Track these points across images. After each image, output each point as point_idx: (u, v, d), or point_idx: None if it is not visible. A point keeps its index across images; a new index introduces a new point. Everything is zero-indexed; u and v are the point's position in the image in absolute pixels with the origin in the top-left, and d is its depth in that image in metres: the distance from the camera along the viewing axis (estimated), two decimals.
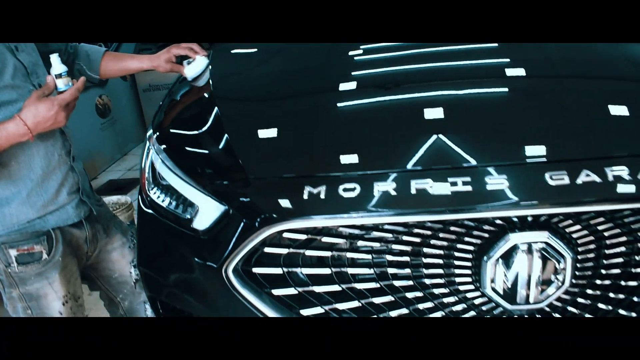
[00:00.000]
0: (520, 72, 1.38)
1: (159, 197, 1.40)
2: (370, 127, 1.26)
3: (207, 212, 1.26)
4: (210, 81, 1.58)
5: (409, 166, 1.10)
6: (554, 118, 1.20)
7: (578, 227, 1.07)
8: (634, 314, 1.14)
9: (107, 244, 1.68)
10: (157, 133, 1.49)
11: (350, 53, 1.60)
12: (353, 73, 1.50)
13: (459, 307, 1.16)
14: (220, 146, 1.32)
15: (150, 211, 1.44)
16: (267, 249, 1.18)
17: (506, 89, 1.36)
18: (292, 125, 1.34)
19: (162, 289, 1.44)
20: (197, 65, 1.68)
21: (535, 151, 1.09)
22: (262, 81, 1.61)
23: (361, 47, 1.61)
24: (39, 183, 1.45)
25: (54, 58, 1.40)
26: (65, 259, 1.52)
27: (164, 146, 1.43)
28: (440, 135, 1.15)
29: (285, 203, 1.13)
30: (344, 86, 1.40)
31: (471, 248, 1.10)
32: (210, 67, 1.68)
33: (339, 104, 1.37)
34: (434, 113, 1.22)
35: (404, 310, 1.18)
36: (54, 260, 1.49)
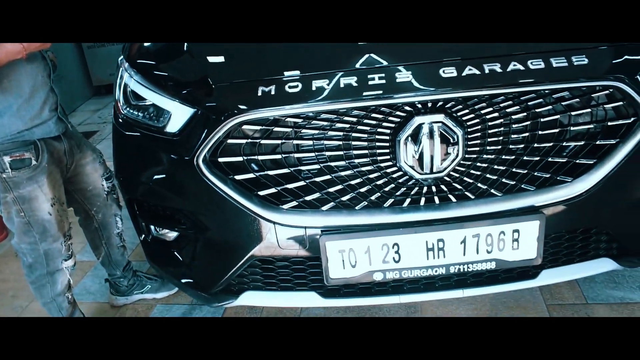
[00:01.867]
0: None
1: (133, 113, 1.68)
2: (309, 46, 1.56)
3: (179, 116, 1.55)
4: None
5: (339, 68, 1.42)
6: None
7: (466, 110, 1.41)
8: (512, 182, 1.50)
9: (81, 158, 1.97)
10: (129, 59, 1.76)
11: None
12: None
13: (381, 181, 1.49)
14: (186, 62, 1.62)
15: (126, 127, 1.72)
16: (229, 141, 1.48)
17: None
18: (248, 43, 1.63)
19: (139, 190, 1.72)
20: None
21: (434, 53, 1.42)
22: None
23: None
24: (26, 99, 1.73)
25: None
26: (50, 166, 1.80)
27: (137, 69, 1.70)
28: (362, 44, 1.47)
29: (242, 99, 1.44)
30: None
31: (388, 131, 1.42)
32: None
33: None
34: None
35: (340, 186, 1.50)
36: (42, 166, 1.77)
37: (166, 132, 1.57)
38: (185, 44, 1.66)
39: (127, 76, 1.72)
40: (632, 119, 1.48)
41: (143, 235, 1.85)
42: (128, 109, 1.71)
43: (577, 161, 1.50)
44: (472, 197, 1.50)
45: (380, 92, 1.37)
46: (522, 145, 1.47)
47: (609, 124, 1.49)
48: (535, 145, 1.48)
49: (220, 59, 1.60)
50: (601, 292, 2.11)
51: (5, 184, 1.75)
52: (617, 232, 1.63)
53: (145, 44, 1.80)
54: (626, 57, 1.45)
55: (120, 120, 1.75)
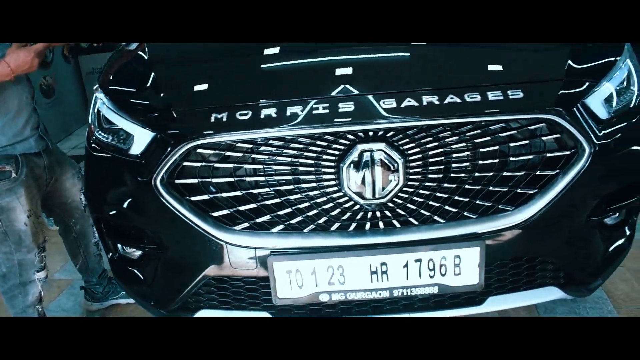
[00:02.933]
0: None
1: (103, 136, 1.78)
2: (260, 76, 1.66)
3: (141, 139, 1.63)
4: (146, 49, 1.96)
5: (286, 97, 1.51)
6: (392, 69, 1.62)
7: (406, 140, 1.48)
8: (454, 210, 1.56)
9: (61, 174, 2.09)
10: (102, 86, 1.87)
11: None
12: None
13: (328, 206, 1.56)
14: (151, 89, 1.71)
15: (96, 149, 1.81)
16: (185, 163, 1.57)
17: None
18: (203, 74, 1.74)
19: (106, 209, 1.80)
20: None
21: (377, 86, 1.51)
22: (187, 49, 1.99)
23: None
24: (11, 118, 1.86)
25: None
26: (29, 180, 1.92)
27: (108, 96, 1.81)
28: (309, 76, 1.56)
29: (197, 125, 1.53)
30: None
31: (332, 158, 1.50)
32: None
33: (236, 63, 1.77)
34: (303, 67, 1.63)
35: (289, 210, 1.57)
36: (20, 179, 1.88)
37: (130, 155, 1.66)
38: (153, 73, 1.76)
39: (100, 102, 1.82)
40: (572, 150, 1.54)
41: (110, 254, 1.92)
42: (100, 132, 1.80)
43: (518, 191, 1.56)
44: (416, 223, 1.56)
45: (324, 120, 1.45)
46: (463, 175, 1.54)
47: (549, 155, 1.56)
48: (477, 174, 1.54)
49: (182, 86, 1.69)
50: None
51: None
52: (561, 262, 1.68)
53: (117, 74, 1.91)
54: (562, 91, 1.53)
55: (92, 142, 1.84)
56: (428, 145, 1.50)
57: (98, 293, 2.38)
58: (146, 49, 1.92)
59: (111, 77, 1.90)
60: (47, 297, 2.44)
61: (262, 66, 1.70)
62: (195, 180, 1.58)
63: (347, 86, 1.52)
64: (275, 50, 1.72)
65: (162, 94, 1.68)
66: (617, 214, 1.81)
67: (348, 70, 1.57)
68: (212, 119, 1.51)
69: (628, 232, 1.85)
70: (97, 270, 2.36)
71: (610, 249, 1.80)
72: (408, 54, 1.70)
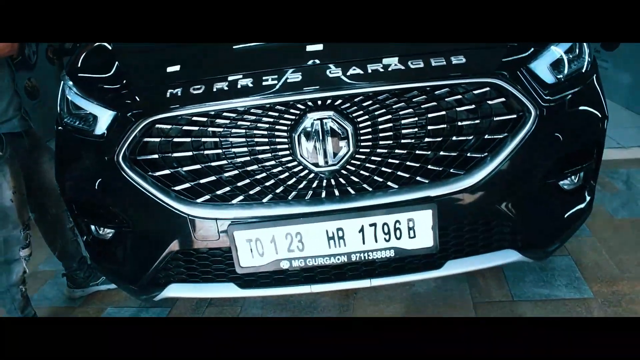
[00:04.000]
0: None
1: (71, 120, 1.84)
2: (211, 52, 1.73)
3: (103, 119, 1.70)
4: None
5: (237, 72, 1.57)
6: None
7: (355, 107, 1.54)
8: (407, 175, 1.61)
9: (38, 157, 2.19)
10: (68, 73, 1.93)
11: None
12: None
13: (284, 175, 1.62)
14: (112, 74, 1.77)
15: (64, 133, 1.87)
16: (146, 139, 1.62)
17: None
18: (159, 58, 1.80)
19: (76, 190, 1.86)
20: None
21: (322, 55, 1.57)
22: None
23: None
24: None
25: None
26: (12, 159, 2.02)
27: (74, 82, 1.87)
28: (257, 50, 1.62)
29: (153, 101, 1.59)
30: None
31: (285, 128, 1.56)
32: None
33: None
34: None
35: (247, 181, 1.63)
36: (5, 157, 1.98)
37: (94, 135, 1.72)
38: (115, 59, 1.83)
39: (67, 88, 1.88)
40: (519, 114, 1.60)
41: (85, 237, 1.98)
42: (67, 116, 1.87)
43: (469, 155, 1.61)
44: (370, 189, 1.61)
45: (274, 91, 1.50)
46: (413, 141, 1.59)
47: (497, 119, 1.61)
48: (427, 140, 1.60)
49: (141, 69, 1.76)
50: (528, 290, 2.19)
51: None
52: (517, 225, 1.73)
53: (84, 61, 1.97)
54: (505, 56, 1.58)
55: (60, 127, 1.90)
56: (376, 113, 1.55)
57: (79, 278, 2.44)
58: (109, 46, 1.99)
59: (78, 65, 1.96)
60: (32, 287, 2.50)
61: (214, 45, 1.76)
62: (155, 156, 1.64)
63: (296, 58, 1.58)
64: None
65: (122, 77, 1.75)
66: (575, 179, 1.87)
67: (296, 44, 1.63)
68: (167, 95, 1.57)
69: (588, 198, 1.90)
70: (75, 255, 2.42)
71: (568, 213, 1.85)
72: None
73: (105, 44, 1.99)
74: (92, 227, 1.94)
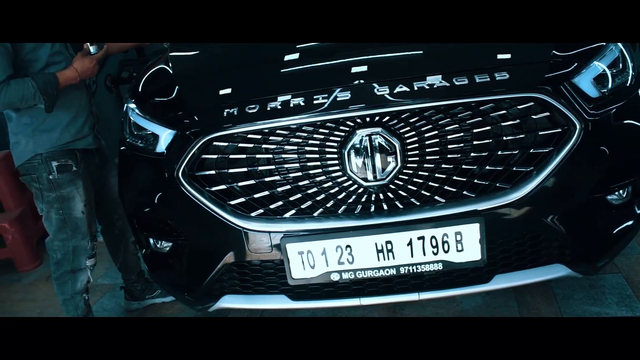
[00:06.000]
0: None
1: (132, 140, 1.97)
2: (264, 73, 1.83)
3: (164, 138, 1.81)
4: (170, 59, 2.16)
5: (288, 91, 1.65)
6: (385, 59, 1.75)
7: (402, 124, 1.60)
8: (453, 189, 1.66)
9: (108, 172, 2.36)
10: (132, 96, 2.07)
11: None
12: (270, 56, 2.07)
13: (334, 190, 1.68)
14: (172, 96, 1.90)
15: (127, 152, 2.00)
16: (204, 156, 1.72)
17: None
18: (215, 79, 1.92)
19: (138, 205, 1.98)
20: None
21: (369, 75, 1.65)
22: (204, 59, 2.19)
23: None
24: (73, 117, 2.15)
25: None
26: (85, 173, 2.19)
27: (136, 104, 2.01)
28: (308, 70, 1.71)
29: (211, 120, 1.69)
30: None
31: (334, 144, 1.63)
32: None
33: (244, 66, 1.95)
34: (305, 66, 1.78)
35: (299, 195, 1.70)
36: (79, 172, 2.15)
37: (156, 153, 1.84)
38: (174, 81, 1.96)
39: (130, 110, 2.02)
40: (563, 128, 1.62)
41: (144, 250, 2.09)
42: (130, 137, 2.00)
43: (515, 169, 1.65)
44: (417, 203, 1.66)
45: (324, 109, 1.58)
46: (459, 155, 1.64)
47: (542, 133, 1.64)
48: (473, 154, 1.64)
49: (199, 90, 1.88)
50: (578, 308, 2.17)
51: (51, 184, 2.12)
52: (565, 239, 1.74)
53: (145, 84, 2.11)
54: (549, 71, 1.62)
55: (124, 147, 2.04)
56: (423, 129, 1.61)
57: (136, 290, 2.56)
58: (170, 63, 2.12)
59: (139, 88, 2.10)
60: (91, 299, 2.61)
61: (266, 65, 1.86)
62: (212, 172, 1.73)
63: (345, 77, 1.66)
64: (278, 51, 1.90)
65: (181, 98, 1.87)
66: (623, 193, 1.86)
67: (345, 63, 1.71)
68: (225, 114, 1.67)
69: (638, 212, 1.89)
70: (135, 268, 2.55)
71: (617, 228, 1.84)
72: (399, 44, 1.82)
73: (165, 67, 2.12)
74: (151, 240, 2.05)
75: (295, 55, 1.87)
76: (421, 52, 1.78)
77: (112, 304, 2.72)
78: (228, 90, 1.80)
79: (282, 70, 1.84)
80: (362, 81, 1.63)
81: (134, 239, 2.47)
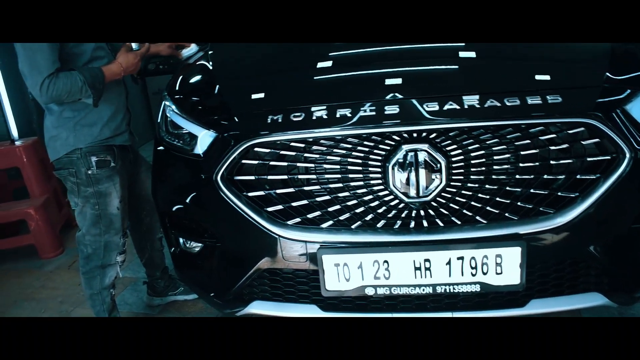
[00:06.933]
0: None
1: (170, 138, 1.96)
2: (311, 80, 1.81)
3: (204, 140, 1.80)
4: (210, 57, 2.14)
5: (336, 101, 1.63)
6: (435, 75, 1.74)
7: (449, 141, 1.58)
8: (496, 210, 1.63)
9: (139, 168, 2.36)
10: (169, 93, 2.06)
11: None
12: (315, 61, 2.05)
13: (374, 203, 1.66)
14: (213, 96, 1.88)
15: (163, 150, 1.99)
16: (244, 161, 1.71)
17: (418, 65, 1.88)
18: (259, 81, 1.90)
19: (171, 204, 1.97)
20: (190, 50, 2.39)
21: (421, 90, 1.62)
22: (246, 59, 2.18)
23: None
24: (113, 113, 2.15)
25: None
26: (121, 170, 2.19)
27: (174, 102, 1.99)
28: (357, 80, 1.69)
29: (254, 126, 1.67)
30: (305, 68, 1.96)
31: (379, 157, 1.61)
32: (201, 53, 2.29)
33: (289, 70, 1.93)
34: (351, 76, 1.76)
35: (338, 206, 1.68)
36: (117, 168, 2.16)
37: (194, 154, 1.82)
38: (215, 80, 1.94)
39: (167, 107, 2.01)
40: (612, 155, 1.59)
41: (173, 248, 2.08)
42: (166, 135, 1.99)
43: (560, 194, 1.61)
44: (458, 222, 1.63)
45: (371, 122, 1.56)
46: (504, 177, 1.61)
47: (590, 159, 1.61)
48: (518, 177, 1.61)
49: (241, 91, 1.85)
50: None
51: (89, 180, 2.12)
52: (605, 267, 1.70)
53: (184, 82, 2.10)
54: (602, 97, 1.59)
55: (159, 145, 2.02)
56: (470, 147, 1.58)
57: (159, 287, 2.56)
58: (210, 61, 2.10)
59: (178, 85, 2.09)
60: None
61: (313, 72, 1.84)
62: (252, 177, 1.72)
63: (393, 90, 1.64)
64: (326, 58, 1.88)
65: (223, 99, 1.86)
66: None
67: (394, 76, 1.69)
68: (269, 120, 1.65)
69: None
70: (160, 265, 2.55)
71: None
72: (450, 60, 1.80)
73: (206, 64, 2.11)
74: (181, 239, 2.04)
75: (340, 63, 1.86)
76: (469, 65, 1.76)
77: (134, 298, 2.72)
78: (270, 95, 1.78)
79: (327, 77, 1.82)
80: (413, 95, 1.60)
81: (160, 235, 2.47)
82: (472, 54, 1.84)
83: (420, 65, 1.79)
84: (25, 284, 3.06)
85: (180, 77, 2.18)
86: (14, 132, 3.80)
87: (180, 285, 2.60)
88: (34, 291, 2.98)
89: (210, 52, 2.28)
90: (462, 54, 1.81)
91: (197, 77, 2.12)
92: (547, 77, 1.65)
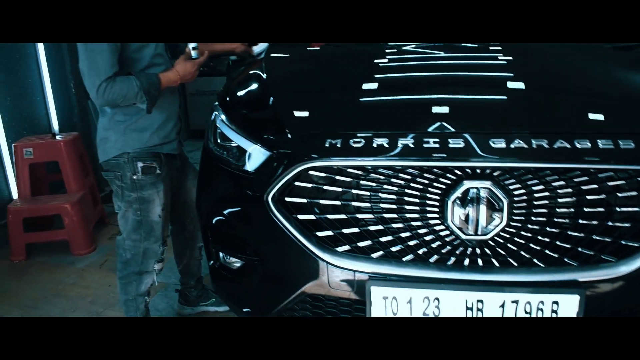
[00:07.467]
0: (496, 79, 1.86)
1: (217, 150, 1.93)
2: (373, 105, 1.76)
3: (256, 157, 1.76)
4: (264, 68, 2.12)
5: (398, 130, 1.59)
6: (503, 108, 1.68)
7: (513, 180, 1.52)
8: (555, 255, 1.57)
9: (186, 175, 2.34)
10: (221, 104, 2.03)
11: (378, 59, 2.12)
12: (375, 75, 2.01)
13: (429, 237, 1.61)
14: (266, 109, 1.85)
15: (211, 162, 1.97)
16: (297, 183, 1.67)
17: (480, 95, 1.83)
18: (318, 100, 1.86)
19: (214, 218, 1.94)
20: (260, 47, 2.42)
21: (487, 125, 1.57)
22: (302, 72, 2.15)
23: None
24: (164, 121, 2.14)
25: None
26: (166, 177, 2.17)
27: (225, 113, 1.97)
28: (422, 110, 1.64)
29: (312, 149, 1.63)
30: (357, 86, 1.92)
31: (438, 191, 1.56)
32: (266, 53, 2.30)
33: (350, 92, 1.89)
34: (416, 101, 1.72)
35: (390, 237, 1.63)
36: (162, 175, 2.14)
37: (244, 170, 1.79)
38: (270, 94, 1.91)
39: (218, 119, 1.98)
40: None
41: (212, 261, 2.05)
42: (215, 147, 1.96)
43: (623, 242, 1.55)
44: (515, 264, 1.58)
45: (434, 154, 1.51)
46: (567, 220, 1.55)
47: None
48: (581, 221, 1.54)
49: (298, 111, 1.82)
50: None
51: (134, 185, 2.11)
52: None
53: (237, 93, 2.07)
54: None
55: (207, 156, 2.00)
56: (534, 188, 1.52)
57: (192, 296, 2.54)
58: (264, 72, 2.08)
59: (230, 96, 2.07)
60: None
61: (376, 97, 1.80)
62: (304, 200, 1.68)
63: (457, 122, 1.59)
64: (390, 83, 1.84)
65: (277, 114, 1.82)
66: None
67: (460, 108, 1.64)
68: (327, 144, 1.61)
69: None
70: (195, 274, 2.53)
71: None
72: (518, 95, 1.75)
73: (260, 73, 2.08)
74: (221, 254, 2.01)
75: (398, 85, 1.82)
76: (535, 99, 1.72)
77: (164, 305, 2.70)
78: (327, 114, 1.75)
79: (388, 100, 1.78)
80: (479, 130, 1.55)
81: (201, 244, 2.45)
82: (536, 85, 1.80)
83: (483, 94, 1.74)
84: (56, 280, 3.07)
85: (233, 86, 2.16)
86: (55, 126, 3.83)
87: (213, 296, 2.58)
88: (65, 288, 2.98)
89: (264, 60, 2.26)
90: (524, 85, 1.76)
91: (250, 88, 2.09)
92: (618, 119, 1.59)
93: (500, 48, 2.21)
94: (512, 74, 1.90)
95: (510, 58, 2.07)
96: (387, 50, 2.22)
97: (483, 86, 1.86)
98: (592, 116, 1.62)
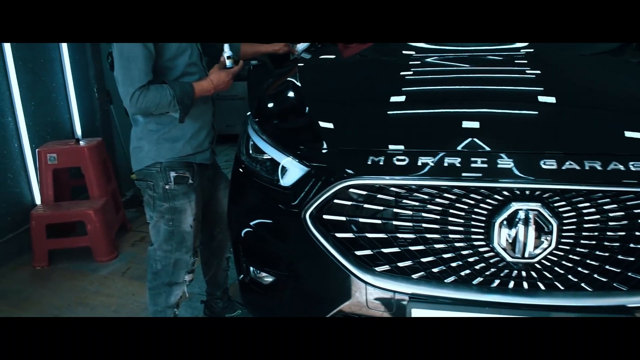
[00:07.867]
0: (540, 95, 1.81)
1: (249, 162, 1.89)
2: (417, 122, 1.73)
3: (293, 172, 1.72)
4: (298, 77, 2.08)
5: (445, 148, 1.54)
6: (553, 127, 1.63)
7: (563, 202, 1.47)
8: (603, 279, 1.51)
9: (217, 185, 2.31)
10: (255, 116, 2.00)
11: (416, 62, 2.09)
12: (415, 88, 1.97)
13: (472, 259, 1.56)
14: (305, 124, 1.81)
15: (243, 175, 1.93)
16: (336, 201, 1.63)
17: (525, 109, 1.78)
18: (357, 115, 1.82)
19: (246, 232, 1.90)
20: (303, 45, 2.46)
21: (536, 145, 1.52)
22: (339, 81, 2.12)
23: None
24: (197, 130, 2.11)
25: (226, 46, 2.08)
26: (198, 187, 2.14)
27: (259, 124, 1.93)
28: (468, 127, 1.60)
29: (353, 165, 1.59)
30: (398, 98, 1.88)
31: (484, 212, 1.51)
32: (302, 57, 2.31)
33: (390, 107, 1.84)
34: (462, 117, 1.67)
35: (432, 258, 1.59)
36: (194, 185, 2.11)
37: (279, 185, 1.75)
38: (307, 107, 1.87)
39: (252, 131, 1.95)
40: None
41: (242, 275, 2.01)
42: (248, 159, 1.92)
43: None
44: (562, 287, 1.52)
45: (481, 175, 1.47)
46: (617, 244, 1.49)
47: None
48: (631, 245, 1.49)
49: (336, 124, 1.78)
50: None
51: (166, 194, 2.08)
52: None
53: (269, 100, 2.04)
54: None
55: (240, 169, 1.96)
56: (584, 210, 1.47)
57: (217, 307, 2.51)
58: (299, 78, 2.04)
59: (264, 105, 2.03)
60: None
61: (419, 113, 1.75)
62: (343, 218, 1.64)
63: (508, 143, 1.54)
64: (430, 96, 1.80)
65: (313, 127, 1.78)
66: None
67: (509, 128, 1.60)
68: (369, 162, 1.57)
69: None
70: (222, 285, 2.50)
71: None
72: (570, 116, 1.70)
73: (296, 82, 2.05)
74: (251, 268, 1.97)
75: (438, 100, 1.79)
76: (586, 118, 1.67)
77: (188, 314, 2.67)
78: (368, 129, 1.71)
79: (430, 114, 1.73)
80: (529, 151, 1.50)
81: (229, 255, 2.42)
82: (578, 101, 1.77)
83: (531, 111, 1.69)
84: (79, 287, 3.05)
85: (267, 95, 2.13)
86: (79, 131, 3.82)
87: (239, 307, 2.54)
88: (88, 296, 2.96)
89: (299, 68, 2.22)
90: (563, 102, 1.72)
91: (285, 97, 2.06)
92: None
93: (525, 61, 2.16)
94: (548, 88, 1.84)
95: (539, 71, 2.02)
96: (417, 60, 2.19)
97: (522, 101, 1.81)
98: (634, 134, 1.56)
